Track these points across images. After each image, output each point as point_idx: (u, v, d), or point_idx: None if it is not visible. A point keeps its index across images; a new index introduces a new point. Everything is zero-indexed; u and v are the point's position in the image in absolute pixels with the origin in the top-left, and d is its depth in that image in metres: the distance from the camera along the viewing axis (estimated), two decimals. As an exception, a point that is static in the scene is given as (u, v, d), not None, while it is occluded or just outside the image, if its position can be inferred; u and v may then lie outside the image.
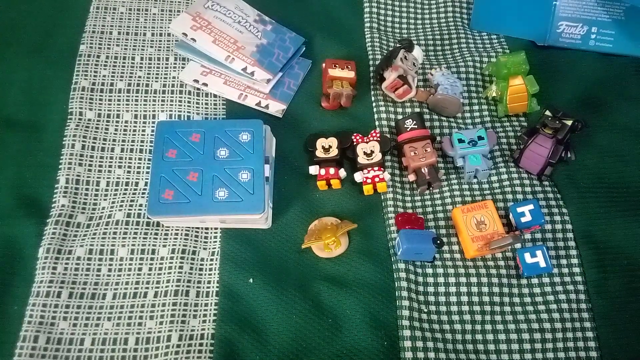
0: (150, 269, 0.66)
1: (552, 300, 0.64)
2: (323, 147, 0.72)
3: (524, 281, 0.65)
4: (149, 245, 0.67)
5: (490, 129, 0.75)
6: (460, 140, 0.71)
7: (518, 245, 0.66)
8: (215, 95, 0.79)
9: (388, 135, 0.75)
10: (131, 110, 0.77)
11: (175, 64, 0.81)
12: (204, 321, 0.63)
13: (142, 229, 0.68)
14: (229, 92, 0.78)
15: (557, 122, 0.68)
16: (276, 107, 0.77)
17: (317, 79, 0.81)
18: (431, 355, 0.60)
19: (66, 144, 0.73)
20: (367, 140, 0.73)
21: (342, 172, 0.71)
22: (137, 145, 0.75)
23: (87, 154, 0.73)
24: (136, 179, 0.72)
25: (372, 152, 0.71)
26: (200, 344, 0.61)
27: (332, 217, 0.69)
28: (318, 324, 0.62)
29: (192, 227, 0.68)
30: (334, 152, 0.72)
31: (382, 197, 0.71)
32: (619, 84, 0.79)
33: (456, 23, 0.87)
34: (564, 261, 0.66)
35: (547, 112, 0.70)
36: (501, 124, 0.77)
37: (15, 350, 0.59)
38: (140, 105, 0.78)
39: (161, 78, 0.80)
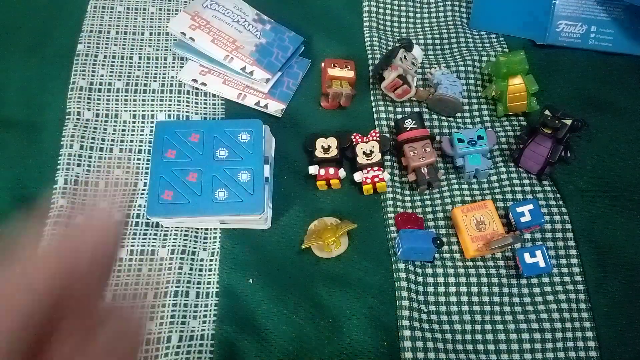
0: (149, 270, 0.66)
1: (551, 300, 0.64)
2: (322, 147, 0.72)
3: (523, 281, 0.65)
4: (149, 246, 0.67)
5: (490, 129, 0.75)
6: (460, 140, 0.71)
7: (518, 245, 0.66)
8: (214, 95, 0.79)
9: (387, 135, 0.75)
10: (129, 110, 0.77)
11: (173, 63, 0.81)
12: (204, 322, 0.63)
13: (141, 229, 0.68)
14: (228, 91, 0.78)
15: (557, 121, 0.68)
16: (275, 107, 0.77)
17: (317, 78, 0.81)
18: (431, 355, 0.60)
19: (64, 144, 0.73)
20: (367, 140, 0.73)
21: (342, 172, 0.71)
22: (135, 145, 0.75)
23: (85, 154, 0.73)
24: (135, 179, 0.72)
25: (372, 152, 0.71)
26: (201, 345, 0.61)
27: (332, 217, 0.69)
28: (318, 324, 0.62)
29: (192, 228, 0.68)
30: (333, 152, 0.72)
31: (382, 197, 0.71)
32: (618, 83, 0.79)
33: (455, 22, 0.87)
34: (563, 261, 0.66)
35: (547, 112, 0.70)
36: (501, 123, 0.77)
37: (15, 352, 0.59)
38: (139, 105, 0.77)
39: (160, 78, 0.80)
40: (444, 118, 0.77)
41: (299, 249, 0.67)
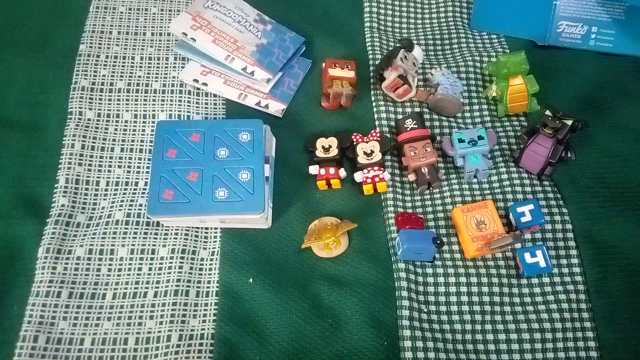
0: (150, 269, 0.66)
1: (552, 300, 0.64)
2: (323, 147, 0.72)
3: (524, 281, 0.65)
4: (149, 245, 0.67)
5: (490, 129, 0.75)
6: (460, 140, 0.71)
7: (518, 245, 0.66)
8: (215, 95, 0.79)
9: (388, 135, 0.75)
10: (131, 110, 0.77)
11: (175, 63, 0.81)
12: (204, 321, 0.63)
13: (142, 228, 0.68)
14: (229, 91, 0.78)
15: (557, 121, 0.68)
16: (276, 107, 0.77)
17: (317, 78, 0.81)
18: (431, 355, 0.60)
19: (66, 144, 0.73)
20: (367, 140, 0.73)
21: (342, 172, 0.71)
22: (137, 145, 0.75)
23: (86, 153, 0.73)
24: (136, 178, 0.72)
25: (372, 151, 0.71)
26: (200, 344, 0.61)
27: (332, 217, 0.69)
28: (318, 324, 0.62)
29: (192, 227, 0.68)
30: (333, 151, 0.72)
31: (382, 197, 0.71)
32: (619, 84, 0.79)
33: (456, 23, 0.87)
34: (564, 261, 0.66)
35: (547, 112, 0.69)
36: (501, 123, 0.77)
37: (15, 350, 0.59)
38: (140, 105, 0.78)
39: (161, 78, 0.80)
40: (444, 118, 0.77)
41: (299, 249, 0.67)
